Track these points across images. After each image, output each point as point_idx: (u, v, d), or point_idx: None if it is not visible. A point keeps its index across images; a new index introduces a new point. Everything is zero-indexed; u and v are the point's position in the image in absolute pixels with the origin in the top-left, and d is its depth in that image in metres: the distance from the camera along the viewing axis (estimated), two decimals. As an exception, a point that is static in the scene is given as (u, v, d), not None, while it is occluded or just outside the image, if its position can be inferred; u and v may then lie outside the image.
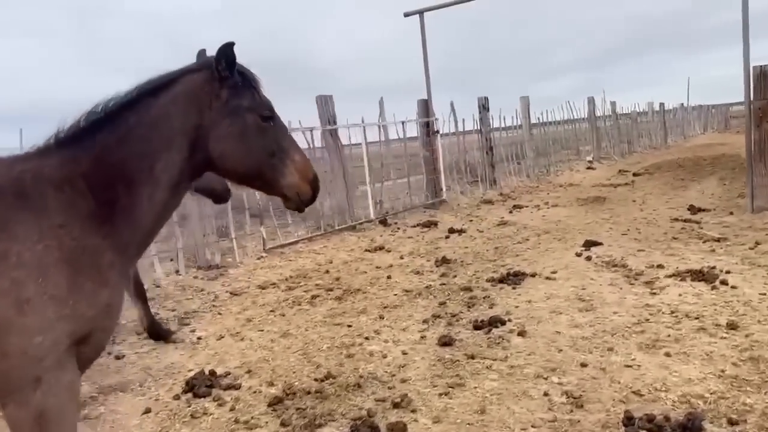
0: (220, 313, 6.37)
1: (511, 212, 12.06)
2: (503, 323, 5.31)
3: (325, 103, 10.65)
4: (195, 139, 2.42)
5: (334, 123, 10.77)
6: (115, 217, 2.28)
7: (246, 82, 2.50)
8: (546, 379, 4.16)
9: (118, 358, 5.18)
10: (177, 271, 7.98)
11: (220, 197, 5.70)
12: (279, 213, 10.37)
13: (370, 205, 11.27)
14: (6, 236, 2.04)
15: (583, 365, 4.31)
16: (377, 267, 8.00)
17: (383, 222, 11.30)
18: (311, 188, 2.63)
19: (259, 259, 8.80)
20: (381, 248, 9.19)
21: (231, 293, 7.10)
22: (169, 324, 6.07)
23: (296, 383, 4.41)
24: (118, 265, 2.29)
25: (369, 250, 9.12)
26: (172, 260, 8.50)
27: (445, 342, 4.96)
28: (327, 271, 7.90)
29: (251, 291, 7.19)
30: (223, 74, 2.40)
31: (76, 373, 2.20)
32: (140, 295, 5.61)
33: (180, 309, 6.56)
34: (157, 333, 5.59)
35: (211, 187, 5.43)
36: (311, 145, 10.36)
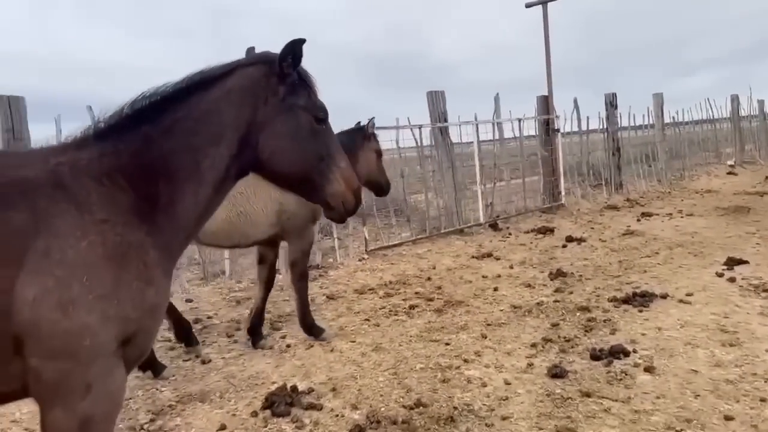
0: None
1: (638, 220, 10.92)
2: (627, 354, 4.57)
3: (435, 99, 10.14)
4: (246, 135, 2.28)
5: (445, 120, 10.22)
6: (158, 213, 2.14)
7: (302, 82, 2.37)
8: (679, 432, 3.42)
9: (204, 362, 5.00)
10: (277, 270, 7.80)
11: (382, 189, 6.14)
12: (384, 213, 10.02)
13: (480, 208, 10.61)
14: (47, 232, 1.88)
15: (728, 418, 3.54)
16: (483, 276, 7.39)
17: (493, 226, 10.61)
18: (355, 198, 2.52)
19: (360, 260, 8.48)
20: (489, 255, 8.55)
21: (327, 297, 6.80)
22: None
23: (382, 408, 3.96)
24: (162, 264, 2.14)
25: (476, 257, 8.52)
26: (274, 258, 8.38)
27: (556, 373, 4.31)
28: (429, 278, 7.41)
29: (348, 296, 6.85)
30: (286, 70, 2.30)
31: (124, 378, 2.06)
32: (267, 285, 5.53)
33: (274, 311, 6.34)
34: (254, 330, 5.47)
35: (375, 179, 5.91)
36: (419, 143, 9.89)
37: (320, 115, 2.39)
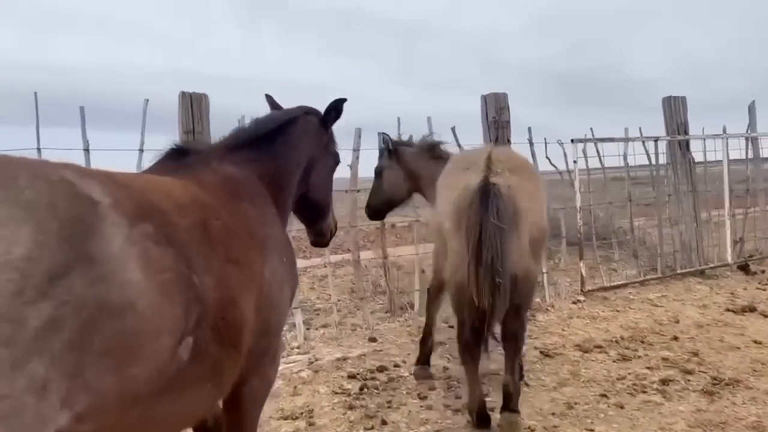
0: (526, 384, 4.64)
1: None
2: None
3: (674, 106, 8.18)
4: (306, 167, 2.85)
5: (686, 132, 8.22)
6: (280, 215, 2.54)
7: (332, 134, 3.08)
8: None
9: (384, 423, 3.83)
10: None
11: None
12: (604, 244, 8.27)
13: (727, 244, 8.38)
14: (265, 221, 2.26)
15: None
16: (756, 342, 5.42)
17: (743, 268, 8.33)
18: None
19: (574, 303, 6.87)
20: (751, 310, 6.47)
21: (541, 352, 5.32)
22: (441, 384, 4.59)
23: None
24: None
25: (732, 310, 6.49)
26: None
27: None
28: (675, 338, 5.61)
29: (568, 353, 5.31)
30: (330, 123, 3.01)
31: None
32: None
33: (454, 366, 5.02)
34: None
35: None
36: (653, 161, 8.01)
37: (339, 161, 3.19)
